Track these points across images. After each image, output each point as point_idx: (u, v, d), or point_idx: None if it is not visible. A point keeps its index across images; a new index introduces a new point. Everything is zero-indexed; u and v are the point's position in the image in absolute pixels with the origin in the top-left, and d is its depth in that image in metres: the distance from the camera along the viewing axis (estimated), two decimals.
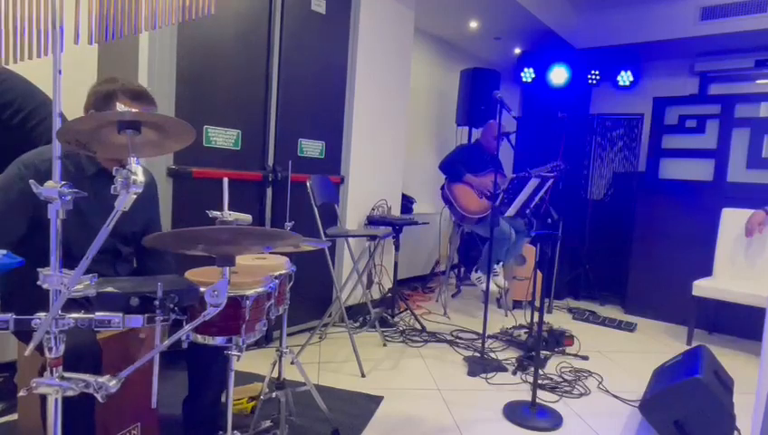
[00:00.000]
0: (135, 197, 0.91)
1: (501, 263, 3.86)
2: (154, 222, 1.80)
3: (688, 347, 2.84)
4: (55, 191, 0.93)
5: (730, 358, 3.18)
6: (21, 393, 1.00)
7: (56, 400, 0.99)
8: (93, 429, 1.37)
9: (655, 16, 4.78)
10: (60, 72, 0.95)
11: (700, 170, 4.07)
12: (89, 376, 1.00)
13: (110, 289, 1.07)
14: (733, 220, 3.62)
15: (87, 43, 1.01)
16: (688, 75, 5.30)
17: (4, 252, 1.15)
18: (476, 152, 4.00)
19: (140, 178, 0.89)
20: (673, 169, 4.20)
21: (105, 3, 1.03)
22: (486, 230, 3.66)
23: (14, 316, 0.98)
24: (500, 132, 3.17)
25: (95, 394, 0.99)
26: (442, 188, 3.92)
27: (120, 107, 1.47)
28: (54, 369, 0.98)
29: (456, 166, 3.87)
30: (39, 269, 0.96)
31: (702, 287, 3.45)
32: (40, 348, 0.98)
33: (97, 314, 1.03)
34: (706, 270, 3.65)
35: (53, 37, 0.95)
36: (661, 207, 4.16)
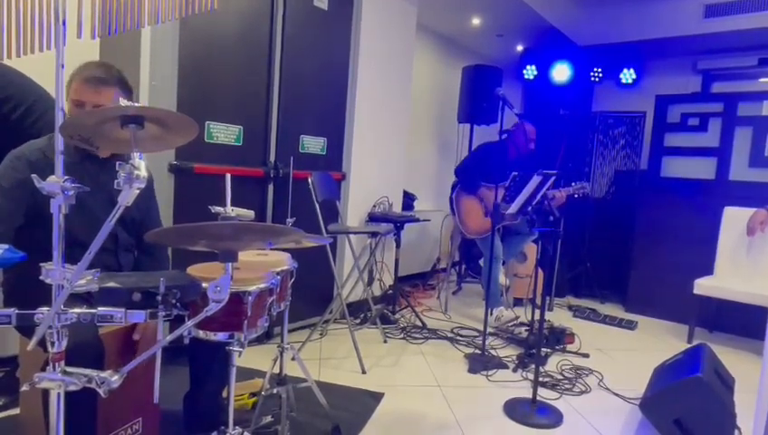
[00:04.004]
0: (138, 191, 0.90)
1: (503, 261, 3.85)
2: (152, 212, 1.81)
3: (689, 345, 2.84)
4: (58, 186, 0.93)
5: (731, 357, 3.18)
6: (24, 388, 1.00)
7: (59, 394, 0.99)
8: (95, 423, 1.37)
9: (658, 14, 4.77)
10: (62, 66, 0.94)
11: (702, 169, 4.06)
12: (91, 371, 1.00)
13: (112, 284, 1.07)
14: (734, 219, 3.61)
15: (90, 37, 1.01)
16: (691, 73, 5.29)
17: (6, 246, 1.14)
18: (500, 154, 3.51)
19: (144, 172, 0.88)
20: (675, 168, 4.19)
21: None
22: (484, 245, 3.64)
23: (17, 311, 0.98)
24: (502, 130, 3.16)
25: (97, 389, 0.99)
26: (452, 190, 3.76)
27: (74, 91, 1.47)
28: (57, 364, 0.98)
29: (472, 176, 3.60)
30: (42, 264, 0.95)
31: (703, 286, 3.45)
32: (43, 344, 0.98)
33: (99, 308, 1.03)
34: (708, 269, 3.65)
35: (56, 31, 0.95)
36: (663, 206, 4.15)
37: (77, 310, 1.00)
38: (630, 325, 3.83)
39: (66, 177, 0.93)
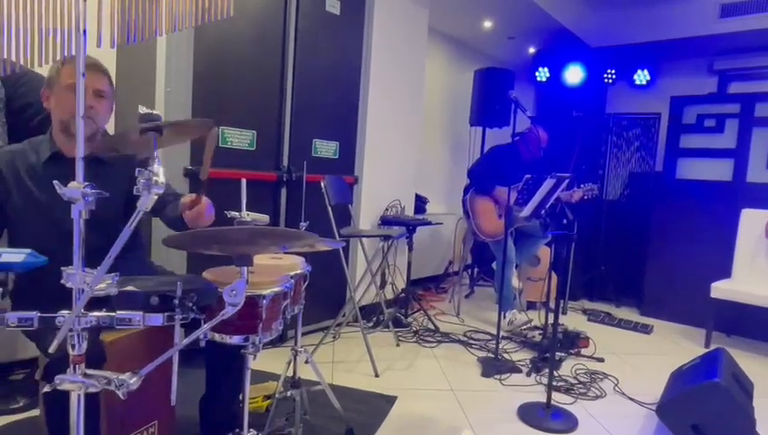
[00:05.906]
0: (156, 197, 0.92)
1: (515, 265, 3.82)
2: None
3: (706, 350, 2.80)
4: (78, 192, 0.95)
5: (749, 361, 3.12)
6: (45, 389, 1.02)
7: (79, 396, 1.01)
8: (98, 425, 1.37)
9: (673, 14, 4.71)
10: (83, 74, 0.96)
11: (719, 170, 4.00)
12: (110, 373, 1.02)
13: (130, 288, 1.09)
14: (752, 221, 3.55)
15: (109, 46, 1.02)
16: (707, 74, 5.22)
17: (29, 251, 1.17)
18: (512, 157, 3.62)
19: (162, 179, 0.90)
20: (691, 170, 4.14)
21: (126, 6, 1.04)
22: (497, 248, 3.62)
23: (39, 314, 1.00)
24: (514, 133, 3.15)
25: (116, 391, 1.01)
26: (465, 192, 3.76)
27: (65, 75, 1.48)
28: (77, 366, 1.00)
29: (486, 178, 3.60)
30: (63, 268, 0.97)
31: (720, 289, 3.40)
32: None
33: (118, 312, 1.05)
34: (725, 272, 3.59)
35: (77, 40, 0.97)
36: (678, 208, 4.10)
37: (97, 313, 1.02)
38: (646, 329, 3.78)
39: (86, 182, 0.95)
